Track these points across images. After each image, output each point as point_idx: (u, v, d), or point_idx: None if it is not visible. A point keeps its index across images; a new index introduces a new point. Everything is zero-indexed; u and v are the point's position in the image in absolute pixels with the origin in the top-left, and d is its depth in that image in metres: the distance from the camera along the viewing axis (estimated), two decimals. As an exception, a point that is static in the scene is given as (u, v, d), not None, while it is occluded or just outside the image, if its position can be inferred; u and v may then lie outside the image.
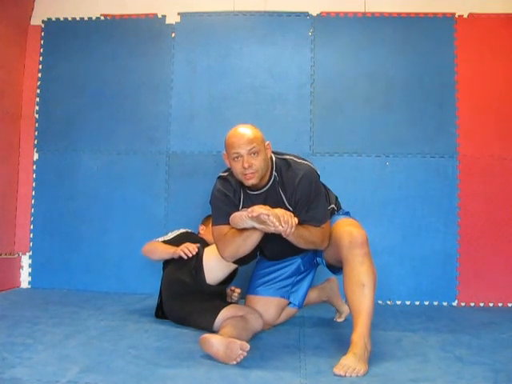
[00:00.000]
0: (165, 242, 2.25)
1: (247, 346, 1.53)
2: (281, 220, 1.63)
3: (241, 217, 1.71)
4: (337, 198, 2.08)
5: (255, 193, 1.86)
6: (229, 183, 1.89)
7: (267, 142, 1.86)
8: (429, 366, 1.60)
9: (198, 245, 2.12)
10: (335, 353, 1.65)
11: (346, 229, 1.77)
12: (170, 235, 2.32)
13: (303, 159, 1.92)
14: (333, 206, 2.00)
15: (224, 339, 1.57)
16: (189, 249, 2.08)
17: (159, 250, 2.18)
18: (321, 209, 1.85)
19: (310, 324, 2.20)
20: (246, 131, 1.80)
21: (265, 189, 1.85)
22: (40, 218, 2.96)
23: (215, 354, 1.57)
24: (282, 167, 1.87)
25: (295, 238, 1.75)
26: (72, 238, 2.92)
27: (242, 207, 1.85)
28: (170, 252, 2.13)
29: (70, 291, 2.83)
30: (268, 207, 1.67)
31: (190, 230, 2.41)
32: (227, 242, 1.81)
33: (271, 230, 1.66)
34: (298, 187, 1.81)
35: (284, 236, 1.69)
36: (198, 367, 1.53)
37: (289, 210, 1.79)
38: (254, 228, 1.73)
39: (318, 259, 2.02)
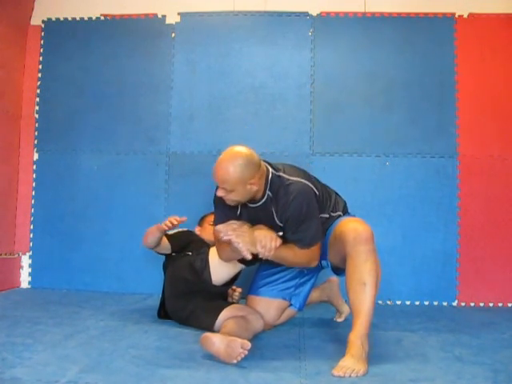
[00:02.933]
0: (166, 235, 2.23)
1: (248, 345, 1.53)
2: (258, 245, 1.64)
3: (219, 233, 1.70)
4: (345, 203, 2.05)
5: (252, 205, 1.85)
6: None
7: (253, 180, 1.72)
8: (429, 366, 1.60)
9: (185, 219, 2.07)
10: (335, 353, 1.65)
11: (351, 225, 1.75)
12: (171, 231, 2.29)
13: (303, 174, 1.86)
14: (339, 212, 1.97)
15: (225, 338, 1.57)
16: (170, 220, 2.03)
17: (149, 233, 2.12)
18: (310, 231, 1.78)
19: (310, 324, 2.20)
20: (220, 170, 1.71)
21: (259, 204, 1.83)
22: (40, 218, 2.96)
23: (216, 353, 1.56)
24: (277, 186, 1.80)
25: (276, 259, 1.77)
26: (72, 238, 2.92)
27: (240, 214, 1.86)
28: (154, 229, 2.07)
29: (69, 291, 2.83)
30: (243, 230, 1.68)
31: (190, 230, 2.41)
32: (221, 249, 1.89)
33: (241, 254, 1.66)
34: (289, 207, 1.76)
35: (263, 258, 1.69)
36: (198, 367, 1.53)
37: (278, 226, 1.79)
38: None
39: (323, 262, 1.99)
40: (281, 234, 1.79)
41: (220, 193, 1.75)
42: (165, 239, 2.19)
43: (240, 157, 1.71)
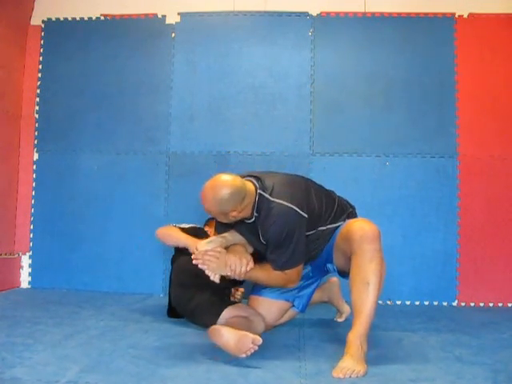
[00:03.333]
0: (181, 229, 2.22)
1: (260, 341, 1.53)
2: (227, 268, 1.74)
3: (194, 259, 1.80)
4: (353, 210, 2.00)
5: (245, 221, 1.86)
6: None
7: (234, 213, 1.75)
8: (429, 366, 1.60)
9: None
10: (335, 353, 1.65)
11: (358, 224, 1.74)
12: (185, 225, 2.28)
13: (289, 193, 1.78)
14: (342, 222, 1.92)
15: (236, 332, 1.56)
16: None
17: (175, 236, 2.10)
18: (284, 256, 1.76)
19: (310, 324, 2.20)
20: (204, 201, 1.75)
21: (250, 222, 1.84)
22: (40, 218, 2.96)
23: (224, 345, 1.56)
24: (262, 209, 1.79)
25: (250, 280, 1.85)
26: (72, 238, 2.92)
27: (235, 226, 1.90)
28: (187, 242, 2.02)
29: (69, 291, 2.83)
30: (217, 254, 1.76)
31: (199, 226, 2.40)
32: None
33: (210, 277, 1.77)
34: (269, 229, 1.77)
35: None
36: (197, 367, 1.53)
37: (264, 245, 1.83)
38: None
39: (329, 265, 1.97)
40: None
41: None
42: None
43: (223, 190, 1.70)
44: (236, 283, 2.15)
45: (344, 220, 1.92)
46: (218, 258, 1.76)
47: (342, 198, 2.02)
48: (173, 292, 2.16)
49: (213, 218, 2.48)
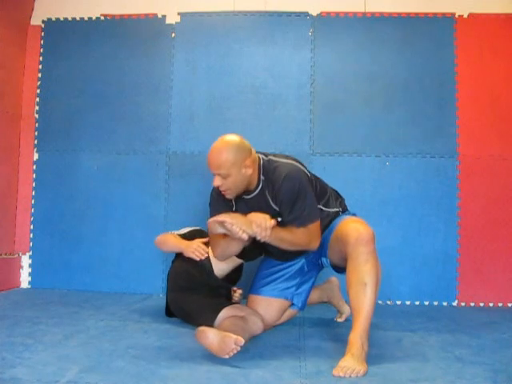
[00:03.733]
0: (179, 236, 2.25)
1: (241, 341, 1.53)
2: (253, 225, 1.65)
3: (213, 222, 1.73)
4: (342, 200, 2.06)
5: (248, 197, 1.87)
6: None
7: (247, 160, 1.77)
8: (429, 366, 1.60)
9: (208, 239, 2.11)
10: (335, 353, 1.65)
11: (353, 225, 1.75)
12: (183, 230, 2.32)
13: (292, 159, 1.90)
14: (336, 209, 1.97)
15: (219, 333, 1.58)
16: (199, 251, 2.08)
17: (170, 242, 2.19)
18: (306, 209, 1.79)
19: (310, 324, 2.20)
20: (214, 156, 1.77)
21: (255, 193, 1.85)
22: (40, 218, 2.96)
23: (209, 347, 1.57)
24: (269, 170, 1.84)
25: (275, 241, 1.75)
26: (72, 238, 2.92)
27: (236, 210, 1.88)
28: (181, 247, 2.13)
29: (69, 291, 2.83)
30: (236, 215, 1.71)
31: (202, 229, 2.40)
32: (215, 244, 1.90)
33: (240, 236, 1.67)
34: (281, 187, 1.79)
35: (262, 240, 1.69)
36: (198, 367, 1.53)
37: (276, 211, 1.81)
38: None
39: (323, 259, 2.00)
40: (279, 219, 1.81)
41: (217, 181, 1.78)
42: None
43: (232, 142, 1.78)
44: (231, 283, 2.15)
45: (338, 208, 1.97)
46: (240, 215, 1.71)
47: (333, 189, 2.08)
48: (170, 296, 2.16)
49: None
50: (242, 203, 1.88)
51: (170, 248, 2.20)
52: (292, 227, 1.79)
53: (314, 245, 1.84)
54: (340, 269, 1.95)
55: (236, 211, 1.86)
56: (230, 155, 1.74)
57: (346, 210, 2.04)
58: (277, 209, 1.83)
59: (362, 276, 1.64)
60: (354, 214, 2.03)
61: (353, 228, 1.73)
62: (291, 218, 1.79)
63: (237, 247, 1.83)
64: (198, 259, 2.06)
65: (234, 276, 2.15)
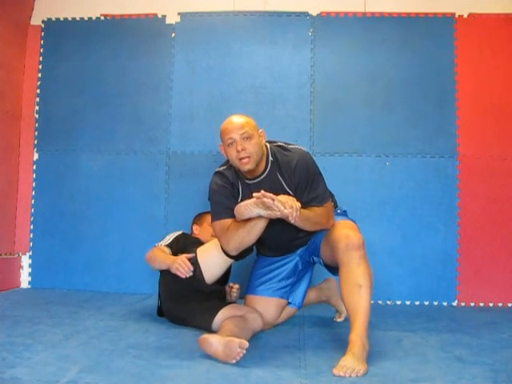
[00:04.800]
0: (167, 246, 2.20)
1: (246, 344, 1.53)
2: (285, 205, 1.65)
3: (246, 206, 1.73)
4: (333, 195, 2.09)
5: (254, 181, 1.87)
6: (225, 177, 1.92)
7: (261, 130, 1.90)
8: (429, 366, 1.60)
9: (192, 255, 2.03)
10: (335, 353, 1.65)
11: (343, 232, 1.77)
12: (168, 238, 2.26)
13: (295, 144, 1.97)
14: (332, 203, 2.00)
15: (222, 338, 1.57)
16: (184, 268, 1.97)
17: (158, 260, 2.11)
18: (321, 188, 1.88)
19: (310, 324, 2.20)
20: (237, 118, 1.86)
21: (263, 176, 1.87)
22: (40, 218, 2.96)
23: (214, 354, 1.57)
24: (277, 152, 1.90)
25: (301, 221, 1.75)
26: (72, 238, 2.92)
27: (242, 199, 1.86)
28: (167, 263, 2.04)
29: (69, 291, 2.83)
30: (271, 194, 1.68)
31: (185, 232, 2.37)
32: (230, 235, 1.83)
33: (277, 215, 1.68)
34: (295, 171, 1.84)
35: (291, 221, 1.68)
36: (198, 367, 1.53)
37: (289, 194, 1.81)
38: (258, 217, 1.75)
39: (315, 258, 2.01)
40: None
41: (240, 144, 1.78)
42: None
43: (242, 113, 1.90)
44: (221, 284, 2.14)
45: (332, 202, 2.00)
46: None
47: None
48: (163, 306, 2.14)
49: (200, 214, 2.45)
50: (248, 190, 1.85)
51: (158, 266, 2.12)
52: (311, 207, 1.83)
53: (331, 222, 1.89)
54: (332, 269, 1.97)
55: (243, 198, 1.84)
56: (250, 118, 1.88)
57: (337, 205, 2.08)
58: (290, 192, 1.84)
59: (355, 278, 1.65)
60: (344, 212, 2.06)
61: (343, 234, 1.75)
62: (311, 197, 1.84)
63: (256, 235, 1.81)
64: (183, 276, 1.96)
65: (222, 277, 2.10)
